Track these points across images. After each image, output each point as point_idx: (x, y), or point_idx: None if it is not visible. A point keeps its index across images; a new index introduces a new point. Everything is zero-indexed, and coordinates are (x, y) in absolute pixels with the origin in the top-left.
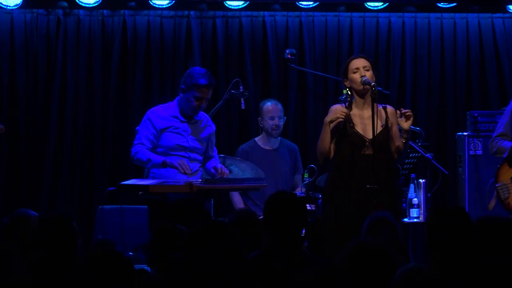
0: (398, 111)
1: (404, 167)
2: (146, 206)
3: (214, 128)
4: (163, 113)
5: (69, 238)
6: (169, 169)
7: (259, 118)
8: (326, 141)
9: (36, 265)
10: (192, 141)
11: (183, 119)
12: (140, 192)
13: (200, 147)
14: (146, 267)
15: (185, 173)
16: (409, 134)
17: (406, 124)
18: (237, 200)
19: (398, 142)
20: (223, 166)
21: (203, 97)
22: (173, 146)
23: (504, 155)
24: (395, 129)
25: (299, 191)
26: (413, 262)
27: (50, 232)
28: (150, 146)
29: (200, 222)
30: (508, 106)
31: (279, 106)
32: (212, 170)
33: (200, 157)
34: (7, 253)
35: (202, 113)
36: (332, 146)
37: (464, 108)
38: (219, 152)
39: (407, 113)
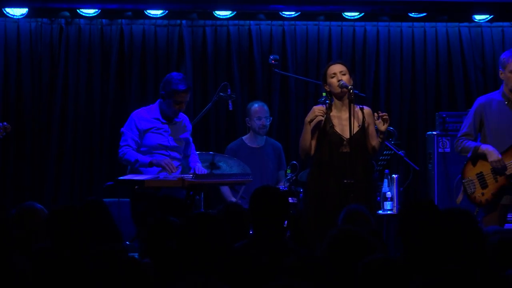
0: (375, 114)
1: (379, 163)
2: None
3: (191, 129)
4: (145, 115)
5: (76, 228)
6: (169, 164)
7: (247, 118)
8: (306, 139)
9: (42, 254)
10: (172, 141)
11: (163, 121)
12: (136, 187)
13: (179, 146)
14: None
15: (170, 172)
16: (386, 135)
17: (383, 127)
18: (227, 193)
19: (375, 141)
20: (199, 169)
21: (182, 101)
22: (155, 146)
23: (468, 155)
24: (371, 128)
25: (282, 185)
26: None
27: (59, 222)
28: (135, 147)
29: (185, 214)
30: (472, 107)
31: (266, 107)
32: (196, 171)
33: (180, 156)
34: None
35: (181, 113)
36: (313, 144)
37: (433, 110)
38: (208, 150)
39: (384, 116)
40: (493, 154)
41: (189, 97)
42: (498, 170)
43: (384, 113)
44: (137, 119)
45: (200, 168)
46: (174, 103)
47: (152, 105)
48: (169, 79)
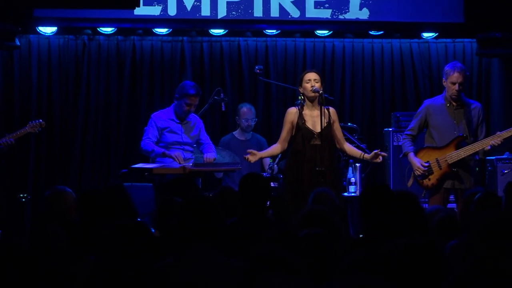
0: (374, 153)
1: (344, 154)
2: (151, 184)
3: (202, 123)
4: (162, 116)
5: (101, 207)
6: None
7: (237, 117)
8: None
9: (73, 226)
10: (185, 138)
11: (177, 121)
12: (146, 173)
13: (191, 142)
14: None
15: (179, 163)
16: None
17: (374, 160)
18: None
19: (345, 145)
20: (209, 156)
21: (192, 104)
22: (171, 142)
23: (400, 156)
24: (336, 125)
25: (265, 172)
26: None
27: (88, 202)
28: (155, 140)
29: (190, 194)
30: (420, 108)
31: (253, 110)
32: (205, 160)
33: (191, 149)
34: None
35: (192, 115)
36: (288, 138)
37: (389, 110)
38: None
39: (380, 156)
40: (415, 164)
41: (197, 101)
42: (422, 175)
43: (382, 153)
44: (156, 119)
45: (210, 156)
46: (185, 105)
47: (168, 108)
48: (183, 85)
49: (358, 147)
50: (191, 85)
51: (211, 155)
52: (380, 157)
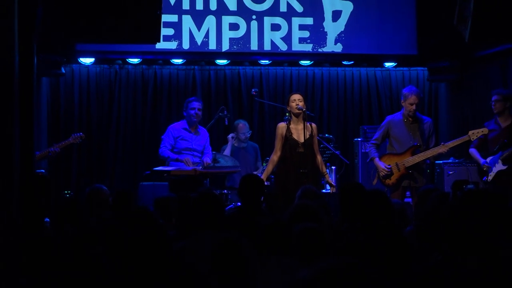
0: (331, 185)
1: (323, 159)
2: (167, 183)
3: (208, 136)
4: (177, 127)
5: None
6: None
7: (235, 132)
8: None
9: (108, 220)
10: (194, 145)
11: (189, 130)
12: (165, 174)
13: (200, 149)
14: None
15: (188, 166)
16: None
17: (330, 187)
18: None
19: (320, 157)
20: (206, 160)
21: (196, 107)
22: (184, 148)
23: (367, 160)
24: (314, 139)
25: (260, 173)
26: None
27: (122, 199)
28: (170, 148)
29: (199, 190)
30: (383, 122)
31: (247, 125)
32: (203, 163)
33: (199, 154)
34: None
35: (201, 128)
36: (281, 147)
37: (358, 124)
38: (212, 150)
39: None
40: (379, 167)
41: (199, 105)
42: (385, 176)
43: (334, 190)
44: (172, 129)
45: (207, 160)
46: (191, 110)
47: (182, 121)
48: (187, 100)
49: (333, 154)
50: (192, 97)
51: (206, 159)
52: (333, 190)
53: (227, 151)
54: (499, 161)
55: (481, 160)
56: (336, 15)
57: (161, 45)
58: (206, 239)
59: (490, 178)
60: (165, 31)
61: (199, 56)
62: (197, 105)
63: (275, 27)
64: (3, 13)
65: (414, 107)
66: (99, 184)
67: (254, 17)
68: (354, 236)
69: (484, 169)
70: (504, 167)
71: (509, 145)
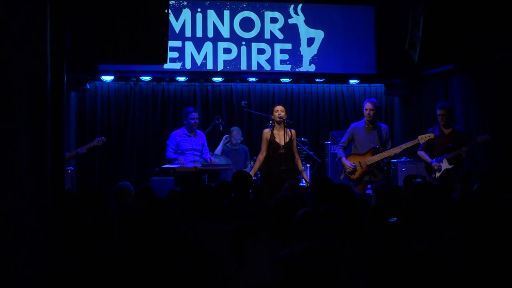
0: (307, 182)
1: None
2: (173, 178)
3: (205, 138)
4: (179, 132)
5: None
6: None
7: (228, 135)
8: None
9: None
10: (195, 145)
11: (189, 134)
12: (171, 171)
13: (199, 148)
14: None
15: (183, 164)
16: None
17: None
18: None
19: (298, 157)
20: (213, 159)
21: (195, 117)
22: (186, 148)
23: (336, 159)
24: (293, 143)
25: (248, 170)
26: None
27: (144, 193)
28: (173, 151)
29: (199, 184)
30: (348, 129)
31: (240, 132)
32: (208, 161)
33: (199, 153)
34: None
35: (199, 132)
36: (265, 149)
37: (329, 129)
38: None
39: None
40: (346, 165)
41: (196, 114)
42: (350, 172)
43: (307, 184)
44: (174, 135)
45: (212, 158)
46: (191, 119)
47: (181, 128)
48: (184, 110)
49: (308, 154)
50: (190, 108)
51: (211, 158)
52: (307, 184)
53: (219, 149)
54: (445, 161)
55: (432, 161)
56: (310, 41)
57: (168, 65)
58: (205, 225)
59: (438, 175)
60: (171, 54)
61: (199, 74)
62: (195, 115)
63: (261, 51)
64: (39, 40)
65: (368, 111)
66: (126, 182)
67: (243, 43)
68: (324, 220)
69: (435, 168)
70: (450, 167)
71: (453, 148)
